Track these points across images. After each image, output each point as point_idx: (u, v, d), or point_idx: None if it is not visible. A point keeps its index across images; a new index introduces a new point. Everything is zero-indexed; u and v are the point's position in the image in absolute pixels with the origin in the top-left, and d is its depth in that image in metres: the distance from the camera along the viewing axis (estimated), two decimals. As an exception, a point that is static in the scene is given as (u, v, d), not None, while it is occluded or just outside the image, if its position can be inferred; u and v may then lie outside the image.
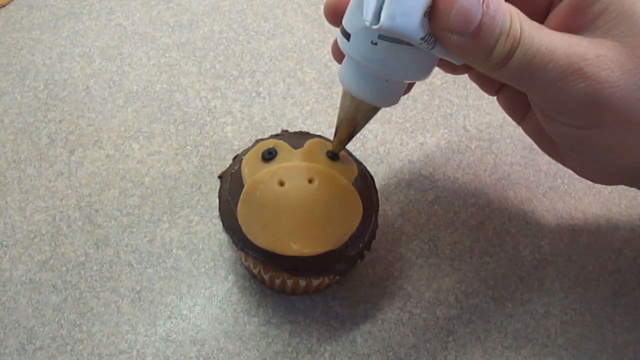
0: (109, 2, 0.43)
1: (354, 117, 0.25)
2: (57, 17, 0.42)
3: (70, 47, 0.40)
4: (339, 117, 0.26)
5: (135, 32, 0.42)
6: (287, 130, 0.31)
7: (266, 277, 0.28)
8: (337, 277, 0.28)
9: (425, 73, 0.23)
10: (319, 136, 0.29)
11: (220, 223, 0.28)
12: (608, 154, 0.24)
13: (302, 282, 0.27)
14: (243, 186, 0.26)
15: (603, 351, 0.29)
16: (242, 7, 0.44)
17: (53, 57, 0.40)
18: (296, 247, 0.25)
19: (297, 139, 0.28)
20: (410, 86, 0.27)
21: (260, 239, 0.25)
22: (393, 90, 0.24)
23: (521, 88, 0.22)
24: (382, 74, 0.22)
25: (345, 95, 0.25)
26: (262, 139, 0.29)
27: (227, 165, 0.32)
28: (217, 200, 0.29)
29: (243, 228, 0.26)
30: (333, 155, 0.27)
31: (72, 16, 0.42)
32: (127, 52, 0.40)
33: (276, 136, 0.29)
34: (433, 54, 0.21)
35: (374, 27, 0.19)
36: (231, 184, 0.27)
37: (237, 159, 0.29)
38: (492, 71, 0.21)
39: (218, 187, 0.30)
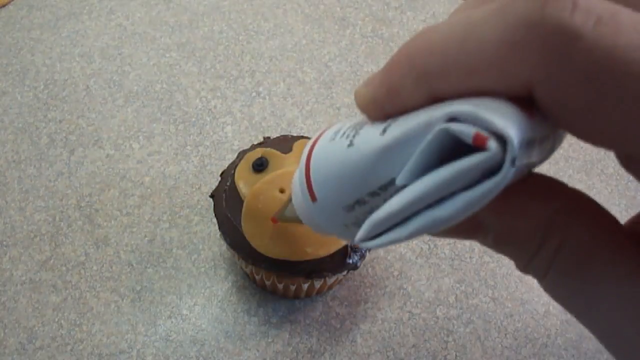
0: (109, 2, 0.43)
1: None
2: (57, 17, 0.42)
3: (70, 47, 0.40)
4: (285, 212, 0.21)
5: (135, 32, 0.41)
6: (269, 137, 0.29)
7: (280, 285, 0.27)
8: (345, 274, 0.27)
9: None
10: (302, 137, 0.28)
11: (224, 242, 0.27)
12: None
13: (305, 286, 0.27)
14: (242, 201, 0.25)
15: (603, 351, 0.29)
16: (242, 7, 0.44)
17: (53, 57, 0.40)
18: (311, 250, 0.25)
19: (282, 143, 0.27)
20: None
21: (274, 250, 0.25)
22: None
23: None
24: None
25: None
26: (245, 150, 0.28)
27: (226, 164, 0.32)
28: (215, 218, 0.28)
29: (252, 243, 0.25)
30: None
31: (72, 16, 0.42)
32: (127, 52, 0.40)
33: (260, 144, 0.28)
34: None
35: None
36: (228, 201, 0.26)
37: (226, 175, 0.28)
38: None
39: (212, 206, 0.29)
